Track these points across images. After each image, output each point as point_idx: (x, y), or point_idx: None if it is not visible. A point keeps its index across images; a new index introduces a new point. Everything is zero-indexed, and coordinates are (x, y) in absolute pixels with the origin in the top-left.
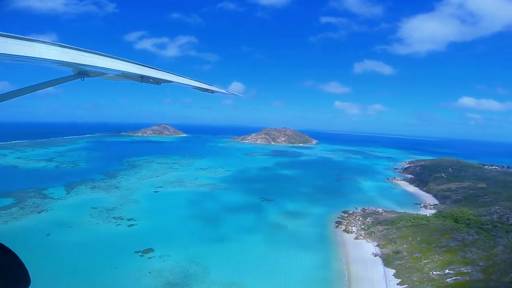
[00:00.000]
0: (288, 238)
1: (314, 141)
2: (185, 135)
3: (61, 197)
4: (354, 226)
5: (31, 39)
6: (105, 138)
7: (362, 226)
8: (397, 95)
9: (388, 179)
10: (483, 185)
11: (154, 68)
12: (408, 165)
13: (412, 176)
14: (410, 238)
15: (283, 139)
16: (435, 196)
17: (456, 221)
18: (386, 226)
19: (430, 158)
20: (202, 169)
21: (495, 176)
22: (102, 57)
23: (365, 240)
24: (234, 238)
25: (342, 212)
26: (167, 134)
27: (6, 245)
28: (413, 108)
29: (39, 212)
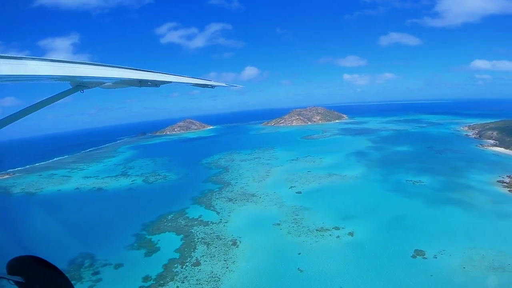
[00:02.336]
0: None
1: (345, 116)
2: (212, 127)
3: (215, 221)
4: None
5: (21, 57)
6: (141, 142)
7: None
8: (410, 62)
9: (480, 146)
10: None
11: (151, 71)
12: (476, 129)
13: (495, 141)
14: None
15: (318, 117)
16: None
17: None
18: None
19: (492, 120)
20: (296, 160)
21: None
22: (97, 66)
23: None
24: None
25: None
26: (195, 129)
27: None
28: (424, 73)
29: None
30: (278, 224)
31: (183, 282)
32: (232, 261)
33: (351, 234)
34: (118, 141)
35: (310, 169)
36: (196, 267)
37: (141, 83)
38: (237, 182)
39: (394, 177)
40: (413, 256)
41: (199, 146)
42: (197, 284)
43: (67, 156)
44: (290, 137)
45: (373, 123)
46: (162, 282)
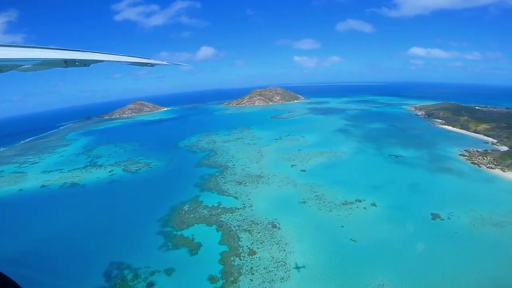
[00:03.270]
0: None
1: (301, 97)
2: (166, 108)
3: (238, 206)
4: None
5: None
6: (91, 127)
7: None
8: (357, 48)
9: (432, 124)
10: (502, 124)
11: (78, 51)
12: (423, 111)
13: (442, 120)
14: None
15: (278, 98)
16: (485, 135)
17: None
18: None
19: (432, 103)
20: (280, 139)
21: (508, 113)
22: (11, 48)
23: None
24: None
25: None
26: (148, 111)
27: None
28: (368, 58)
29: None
30: (304, 202)
31: (253, 274)
32: (284, 243)
33: (374, 204)
34: (61, 128)
35: (299, 147)
36: (254, 256)
37: (67, 63)
38: (234, 165)
39: (384, 151)
40: (433, 218)
41: (165, 129)
42: (268, 272)
43: (3, 149)
44: (260, 117)
45: (333, 103)
46: (232, 278)
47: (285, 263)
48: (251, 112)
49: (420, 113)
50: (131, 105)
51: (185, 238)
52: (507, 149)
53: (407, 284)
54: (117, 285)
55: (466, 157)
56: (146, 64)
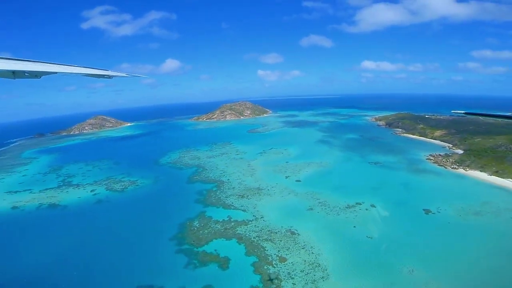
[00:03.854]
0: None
1: (269, 111)
2: (130, 123)
3: (250, 218)
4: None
5: None
6: (48, 144)
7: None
8: (316, 62)
9: (394, 133)
10: (452, 130)
11: (29, 61)
12: (383, 121)
13: (402, 129)
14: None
15: (248, 112)
16: (441, 140)
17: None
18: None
19: (388, 113)
20: (264, 153)
21: (454, 120)
22: None
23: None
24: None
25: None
26: (110, 126)
27: None
28: (323, 72)
29: None
30: (311, 209)
31: (293, 278)
32: (309, 246)
33: (373, 205)
34: (12, 145)
35: (286, 159)
36: (286, 262)
37: (16, 74)
38: (229, 179)
39: (364, 158)
40: (426, 213)
41: (139, 145)
42: (306, 274)
43: None
44: (236, 132)
45: (301, 116)
46: (274, 286)
47: (319, 264)
48: (226, 126)
49: (381, 123)
50: (91, 120)
51: (209, 254)
52: (462, 152)
53: (431, 267)
54: None
55: (432, 160)
56: (103, 76)
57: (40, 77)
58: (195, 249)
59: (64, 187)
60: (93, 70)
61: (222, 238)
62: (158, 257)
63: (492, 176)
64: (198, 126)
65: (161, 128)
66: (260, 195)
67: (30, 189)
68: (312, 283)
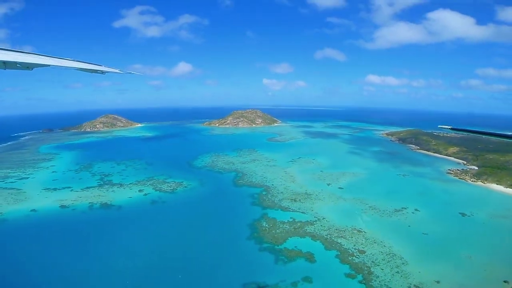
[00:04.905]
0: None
1: (279, 120)
2: (141, 124)
3: (312, 219)
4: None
5: None
6: (62, 140)
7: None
8: (323, 73)
9: (410, 149)
10: (463, 148)
11: (21, 52)
12: (395, 136)
13: (415, 145)
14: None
15: (260, 120)
16: (455, 157)
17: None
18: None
19: (400, 129)
20: (295, 161)
21: (463, 138)
22: None
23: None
24: None
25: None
26: (121, 126)
27: None
28: (329, 83)
29: None
30: (365, 212)
31: (378, 265)
32: (379, 241)
33: (417, 210)
34: (23, 139)
35: (319, 169)
36: (366, 253)
37: (7, 65)
38: (273, 184)
39: (395, 170)
40: (462, 215)
41: (164, 148)
42: (388, 262)
43: None
44: (255, 140)
45: (317, 127)
46: (366, 271)
47: (394, 254)
48: (242, 133)
49: (393, 138)
50: (102, 119)
51: (292, 250)
52: (477, 167)
53: (483, 254)
54: None
55: (452, 174)
56: (96, 71)
57: (32, 69)
58: (276, 247)
59: (106, 186)
60: (86, 64)
61: (296, 237)
62: (246, 256)
63: (508, 188)
64: (213, 131)
65: (177, 131)
66: (311, 199)
67: (69, 187)
68: (397, 267)
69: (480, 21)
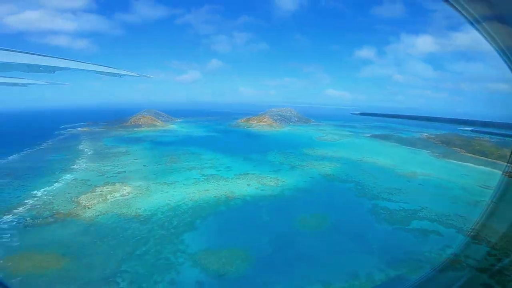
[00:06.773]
0: None
1: (312, 120)
2: (179, 119)
3: None
4: None
5: None
6: (117, 134)
7: None
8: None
9: (460, 152)
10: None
11: (43, 56)
12: (435, 139)
13: (460, 148)
14: None
15: (296, 119)
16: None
17: None
18: None
19: (429, 131)
20: (360, 161)
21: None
22: None
23: None
24: None
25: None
26: (164, 121)
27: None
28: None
29: None
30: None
31: None
32: None
33: None
34: (74, 131)
35: (389, 167)
36: None
37: (30, 68)
38: (360, 180)
39: None
40: None
41: (228, 143)
42: None
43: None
44: (304, 139)
45: (359, 128)
46: None
47: None
48: (288, 132)
49: (435, 141)
50: (145, 113)
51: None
52: None
53: None
54: None
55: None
56: (114, 74)
57: (54, 72)
58: (406, 227)
59: (212, 180)
60: (105, 68)
61: (415, 220)
62: (390, 233)
63: None
64: (256, 128)
65: (223, 128)
66: (403, 192)
67: (177, 181)
68: None
69: None
